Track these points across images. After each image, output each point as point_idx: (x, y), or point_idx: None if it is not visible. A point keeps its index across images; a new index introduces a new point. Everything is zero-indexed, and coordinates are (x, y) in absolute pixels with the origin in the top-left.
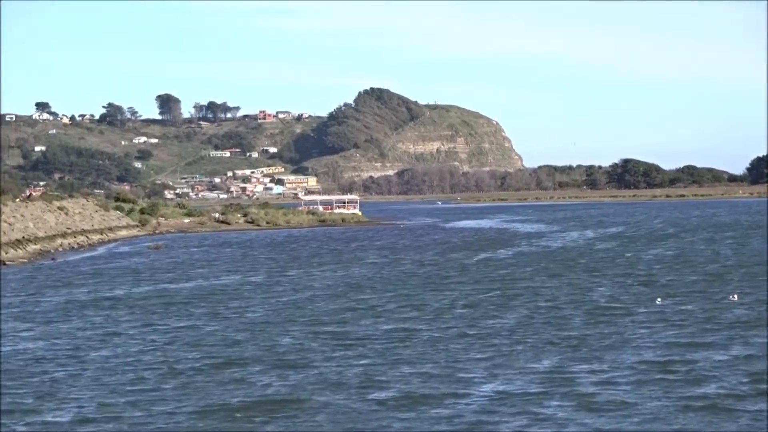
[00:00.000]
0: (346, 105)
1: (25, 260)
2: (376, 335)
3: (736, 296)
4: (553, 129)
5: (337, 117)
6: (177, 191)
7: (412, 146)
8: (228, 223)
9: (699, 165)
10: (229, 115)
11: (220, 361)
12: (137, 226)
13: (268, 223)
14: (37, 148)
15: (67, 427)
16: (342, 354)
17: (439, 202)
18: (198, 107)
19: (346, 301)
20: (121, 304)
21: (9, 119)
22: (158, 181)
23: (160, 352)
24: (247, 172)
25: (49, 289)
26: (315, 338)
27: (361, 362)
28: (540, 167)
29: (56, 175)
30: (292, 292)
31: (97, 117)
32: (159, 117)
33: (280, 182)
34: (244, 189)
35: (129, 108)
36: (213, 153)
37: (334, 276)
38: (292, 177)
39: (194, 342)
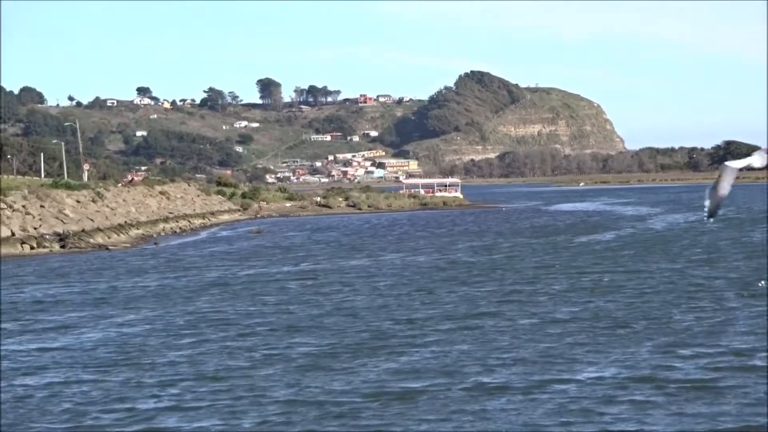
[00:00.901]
0: (446, 88)
1: (128, 245)
2: (474, 319)
3: None
4: (655, 111)
5: (437, 100)
6: (278, 175)
7: (513, 129)
8: (329, 207)
9: None
10: (329, 99)
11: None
12: (238, 210)
13: (369, 206)
14: (139, 133)
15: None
16: (447, 338)
17: (582, 184)
18: (299, 91)
19: (451, 285)
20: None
21: (110, 104)
22: (259, 166)
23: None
24: (348, 155)
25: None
26: (412, 323)
27: (462, 347)
28: (642, 149)
29: (157, 160)
30: (393, 276)
31: (198, 102)
32: (260, 101)
33: (381, 166)
34: (345, 173)
35: (230, 92)
36: (314, 137)
37: (442, 257)
38: (393, 161)
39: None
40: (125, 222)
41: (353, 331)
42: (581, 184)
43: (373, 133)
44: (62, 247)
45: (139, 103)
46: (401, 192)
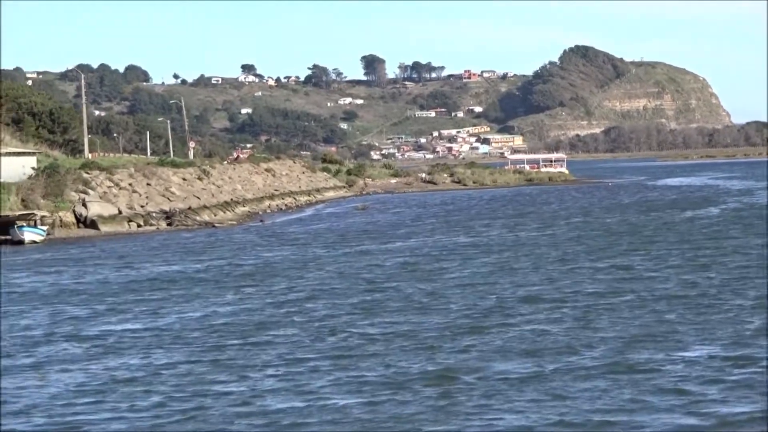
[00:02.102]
0: (551, 63)
1: (234, 222)
2: (574, 297)
3: None
4: (762, 84)
5: (542, 75)
6: (383, 152)
7: (618, 104)
8: (435, 183)
9: None
10: (434, 75)
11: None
12: (344, 187)
13: (474, 182)
14: (244, 111)
15: None
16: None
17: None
18: (402, 67)
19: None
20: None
21: (215, 82)
22: (364, 142)
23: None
24: (453, 131)
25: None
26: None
27: (564, 325)
28: (748, 123)
29: (262, 137)
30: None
31: (302, 79)
32: (364, 78)
33: (485, 141)
34: (449, 149)
35: (334, 69)
36: (418, 113)
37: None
38: (497, 136)
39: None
40: (231, 199)
41: (464, 308)
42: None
43: (478, 109)
44: (169, 224)
45: (243, 80)
46: (506, 168)
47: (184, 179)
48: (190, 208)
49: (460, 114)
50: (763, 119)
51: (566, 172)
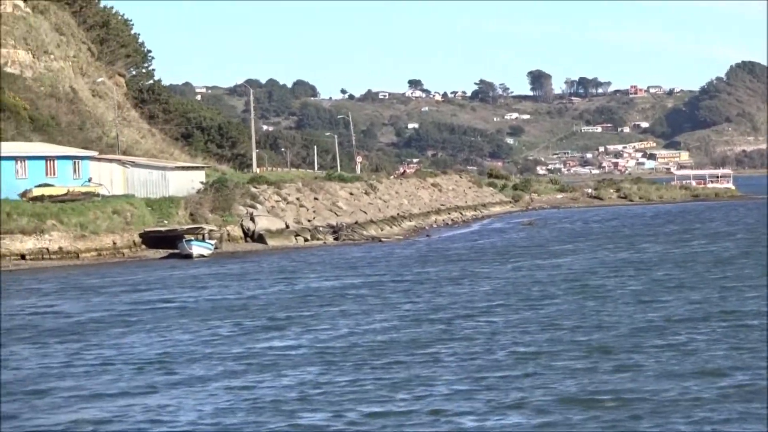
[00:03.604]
0: (717, 79)
1: (400, 237)
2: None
3: None
4: None
5: (708, 91)
6: (549, 167)
7: None
8: (601, 199)
9: None
10: (600, 91)
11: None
12: (510, 202)
13: (640, 198)
14: (410, 125)
15: None
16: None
17: None
18: (569, 83)
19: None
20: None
21: (382, 97)
22: (530, 157)
23: None
24: (619, 147)
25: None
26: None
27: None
28: None
29: (429, 152)
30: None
31: (468, 94)
32: (530, 93)
33: (652, 157)
34: (615, 164)
35: (500, 84)
36: (584, 128)
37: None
38: (663, 152)
39: None
40: (397, 214)
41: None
42: None
43: (644, 124)
44: (336, 239)
45: (410, 95)
46: (672, 183)
47: (351, 194)
48: (356, 222)
49: (626, 129)
50: None
51: (732, 187)
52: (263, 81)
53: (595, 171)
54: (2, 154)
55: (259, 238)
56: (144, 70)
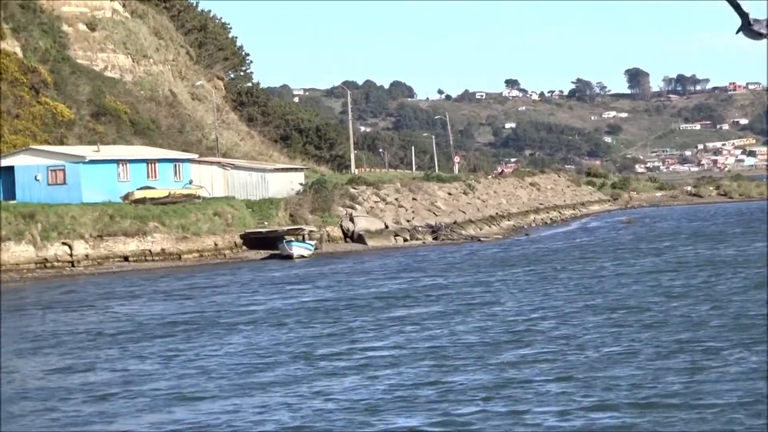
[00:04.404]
0: None
1: (499, 236)
2: None
3: None
4: None
5: None
6: (647, 165)
7: None
8: (700, 196)
9: None
10: (698, 88)
11: None
12: (608, 200)
13: (740, 195)
14: (507, 125)
15: None
16: None
17: None
18: (667, 80)
19: None
20: None
21: (479, 97)
22: (628, 156)
23: None
24: (718, 144)
25: None
26: None
27: None
28: None
29: (527, 152)
30: None
31: (565, 93)
32: (627, 91)
33: (751, 154)
34: (714, 161)
35: (597, 83)
36: (683, 126)
37: None
38: (763, 148)
39: None
40: (496, 213)
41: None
42: None
43: (743, 121)
44: (434, 239)
45: (507, 95)
46: None
47: (449, 194)
48: (455, 222)
49: (725, 126)
50: None
51: None
52: (360, 82)
53: (694, 168)
54: (104, 158)
55: (359, 239)
56: (242, 73)
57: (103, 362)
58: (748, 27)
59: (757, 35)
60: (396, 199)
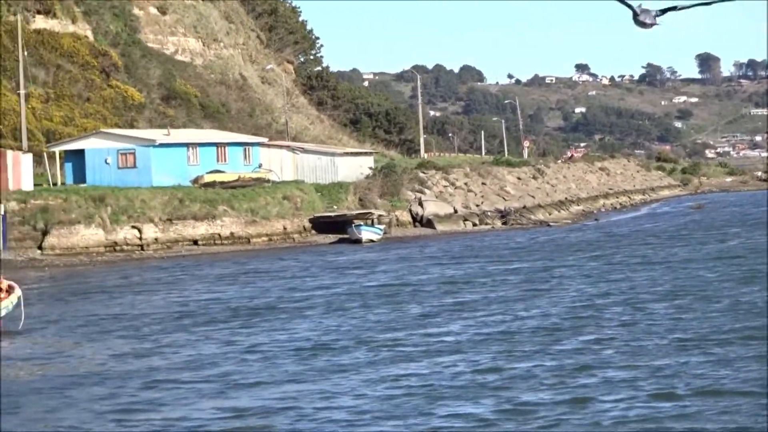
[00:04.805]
0: None
1: (569, 221)
2: None
3: None
4: None
5: None
6: (717, 150)
7: None
8: None
9: None
10: None
11: None
12: (678, 186)
13: None
14: (577, 110)
15: None
16: None
17: None
18: (737, 65)
19: None
20: None
21: (549, 81)
22: (698, 141)
23: None
24: None
25: None
26: None
27: None
28: None
29: (596, 136)
30: None
31: (636, 77)
32: (698, 76)
33: None
34: None
35: (668, 68)
36: (753, 111)
37: None
38: None
39: None
40: (566, 198)
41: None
42: None
43: None
44: (504, 223)
45: (577, 79)
46: None
47: (518, 178)
48: (524, 207)
49: None
50: None
51: None
52: (430, 66)
53: (765, 154)
54: (174, 142)
55: (428, 223)
56: (312, 57)
57: (165, 347)
58: (636, 18)
59: (644, 25)
60: (465, 184)
